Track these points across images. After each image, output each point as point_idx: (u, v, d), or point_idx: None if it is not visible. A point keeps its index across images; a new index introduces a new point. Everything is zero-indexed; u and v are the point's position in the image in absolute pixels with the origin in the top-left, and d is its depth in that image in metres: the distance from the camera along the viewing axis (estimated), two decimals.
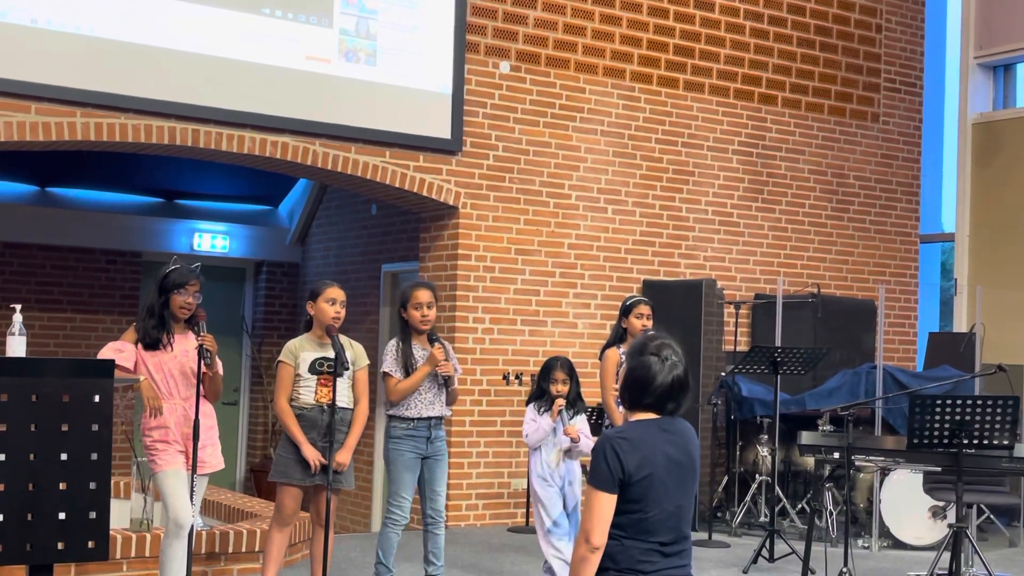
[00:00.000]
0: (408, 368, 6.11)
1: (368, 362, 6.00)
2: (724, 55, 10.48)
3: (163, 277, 5.54)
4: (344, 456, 5.81)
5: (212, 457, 5.62)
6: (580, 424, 6.44)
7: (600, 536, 3.48)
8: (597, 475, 3.52)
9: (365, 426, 6.03)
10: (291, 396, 5.83)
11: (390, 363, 6.15)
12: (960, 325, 11.35)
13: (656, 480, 3.53)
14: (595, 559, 3.48)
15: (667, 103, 10.17)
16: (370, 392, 6.12)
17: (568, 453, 6.41)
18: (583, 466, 8.85)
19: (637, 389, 3.64)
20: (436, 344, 6.14)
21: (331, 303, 5.83)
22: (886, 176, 11.50)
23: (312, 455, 5.71)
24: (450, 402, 6.32)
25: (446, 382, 6.18)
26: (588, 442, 6.44)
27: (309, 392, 5.81)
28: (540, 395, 6.42)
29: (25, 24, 7.48)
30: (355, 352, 5.88)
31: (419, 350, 6.18)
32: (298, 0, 8.44)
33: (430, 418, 6.16)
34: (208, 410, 5.60)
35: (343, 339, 5.84)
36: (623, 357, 6.88)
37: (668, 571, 3.58)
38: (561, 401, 6.32)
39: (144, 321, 5.52)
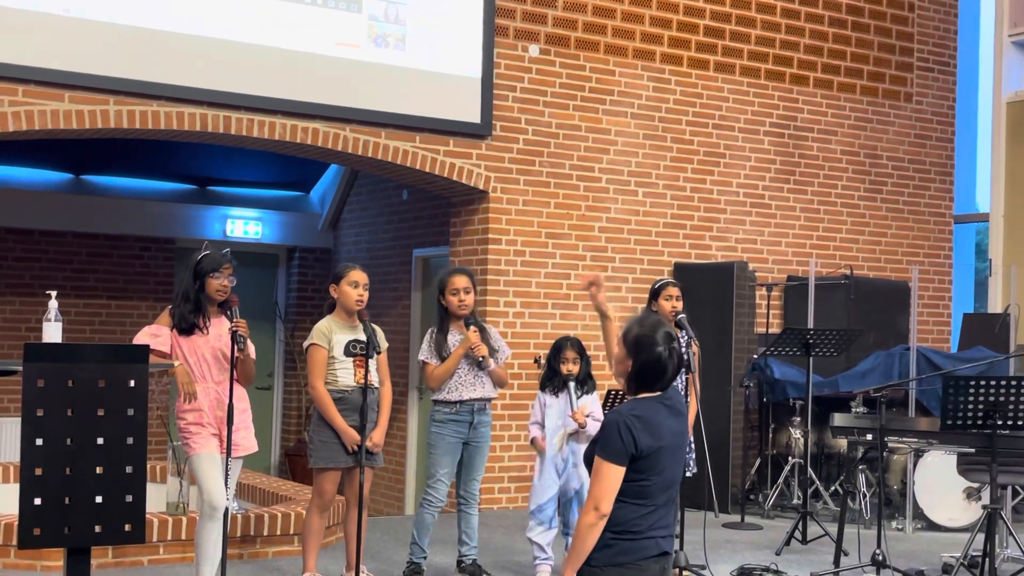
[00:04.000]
0: (442, 354, 6.20)
1: (387, 344, 6.08)
2: (755, 36, 10.42)
3: (196, 263, 5.60)
4: (380, 436, 5.93)
5: (246, 440, 5.68)
6: (591, 404, 6.45)
7: (609, 504, 3.72)
8: (609, 448, 3.73)
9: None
10: (326, 379, 5.89)
11: (425, 351, 6.28)
12: (995, 306, 11.25)
13: (662, 453, 3.79)
14: (602, 524, 3.73)
15: (697, 85, 10.13)
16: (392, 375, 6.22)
17: (575, 436, 6.43)
18: None
19: (650, 381, 3.86)
20: (471, 327, 6.21)
21: (354, 286, 5.90)
22: (919, 156, 11.41)
23: (354, 439, 5.78)
24: (499, 384, 6.42)
25: (479, 364, 6.22)
26: (597, 425, 6.44)
27: (348, 374, 5.88)
28: (552, 375, 6.44)
29: (57, 13, 7.54)
30: (379, 335, 5.97)
31: (455, 335, 6.25)
32: None
33: (472, 401, 6.24)
34: (241, 393, 5.65)
35: None
36: None
37: (658, 530, 3.83)
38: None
39: (180, 307, 5.57)
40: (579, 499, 6.48)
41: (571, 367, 6.38)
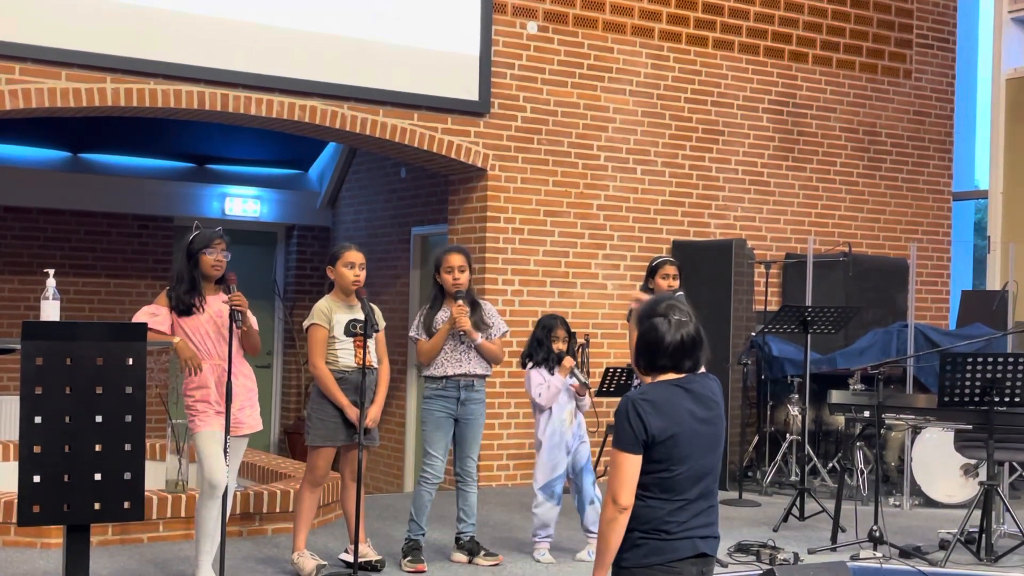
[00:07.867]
0: (430, 330, 6.23)
1: (385, 323, 6.10)
2: (754, 12, 10.38)
3: (188, 242, 5.59)
4: (376, 412, 5.98)
5: (251, 418, 5.70)
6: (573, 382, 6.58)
7: (628, 496, 3.50)
8: (621, 437, 3.53)
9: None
10: (326, 359, 5.91)
11: (414, 327, 6.35)
12: (993, 283, 11.26)
13: (681, 439, 3.53)
14: (624, 519, 3.50)
15: (696, 62, 10.10)
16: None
17: (578, 408, 6.57)
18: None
19: (649, 352, 3.64)
20: (458, 301, 6.20)
21: (350, 267, 5.92)
22: (918, 133, 11.40)
23: (356, 413, 5.81)
24: (491, 360, 6.38)
25: (462, 338, 6.23)
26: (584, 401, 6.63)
27: (348, 355, 5.91)
28: (547, 355, 6.46)
29: None
30: (377, 313, 5.98)
31: (447, 312, 6.27)
32: None
33: (457, 376, 6.23)
34: (247, 371, 5.68)
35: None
36: None
37: (695, 529, 3.58)
38: (570, 360, 6.42)
39: (176, 288, 5.56)
40: (588, 467, 6.56)
41: (561, 345, 6.48)
